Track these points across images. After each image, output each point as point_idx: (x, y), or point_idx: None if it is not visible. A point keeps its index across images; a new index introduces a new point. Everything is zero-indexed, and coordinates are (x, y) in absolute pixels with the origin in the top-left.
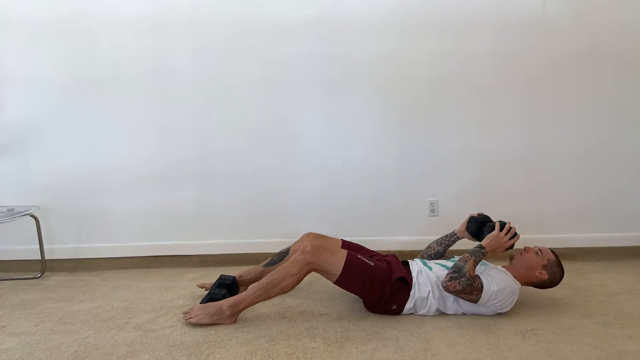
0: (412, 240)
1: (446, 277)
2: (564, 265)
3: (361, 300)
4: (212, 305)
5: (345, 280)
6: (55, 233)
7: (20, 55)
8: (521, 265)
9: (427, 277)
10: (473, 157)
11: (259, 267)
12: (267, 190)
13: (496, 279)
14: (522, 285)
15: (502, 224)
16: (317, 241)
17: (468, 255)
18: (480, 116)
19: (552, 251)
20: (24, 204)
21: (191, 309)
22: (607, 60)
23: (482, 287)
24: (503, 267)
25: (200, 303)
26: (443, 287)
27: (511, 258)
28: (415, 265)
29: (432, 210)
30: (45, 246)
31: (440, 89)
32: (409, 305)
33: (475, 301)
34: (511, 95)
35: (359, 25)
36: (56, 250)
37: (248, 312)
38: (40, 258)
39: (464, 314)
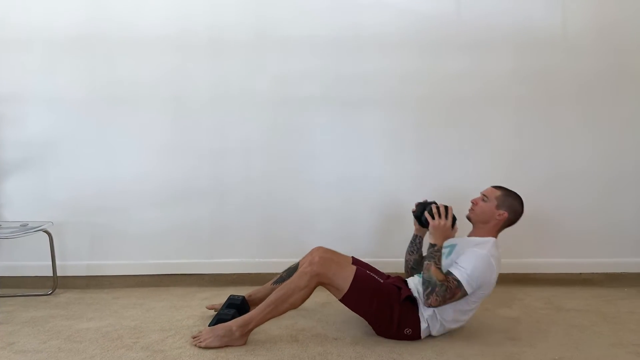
0: None
1: (424, 297)
2: (589, 291)
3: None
4: (220, 327)
5: (352, 296)
6: (68, 249)
7: (41, 74)
8: (479, 220)
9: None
10: (494, 178)
11: (268, 285)
12: (282, 209)
13: (463, 262)
14: (495, 236)
15: (429, 209)
16: (326, 254)
17: (427, 262)
18: (501, 136)
19: (495, 187)
20: (38, 219)
21: (200, 332)
22: (633, 78)
23: (458, 282)
24: (469, 235)
25: (209, 325)
26: (427, 307)
27: (469, 219)
28: (412, 284)
29: None
30: (57, 262)
31: (459, 108)
32: (423, 326)
33: (464, 295)
34: (534, 115)
35: (375, 44)
36: (69, 266)
37: (259, 335)
38: (52, 275)
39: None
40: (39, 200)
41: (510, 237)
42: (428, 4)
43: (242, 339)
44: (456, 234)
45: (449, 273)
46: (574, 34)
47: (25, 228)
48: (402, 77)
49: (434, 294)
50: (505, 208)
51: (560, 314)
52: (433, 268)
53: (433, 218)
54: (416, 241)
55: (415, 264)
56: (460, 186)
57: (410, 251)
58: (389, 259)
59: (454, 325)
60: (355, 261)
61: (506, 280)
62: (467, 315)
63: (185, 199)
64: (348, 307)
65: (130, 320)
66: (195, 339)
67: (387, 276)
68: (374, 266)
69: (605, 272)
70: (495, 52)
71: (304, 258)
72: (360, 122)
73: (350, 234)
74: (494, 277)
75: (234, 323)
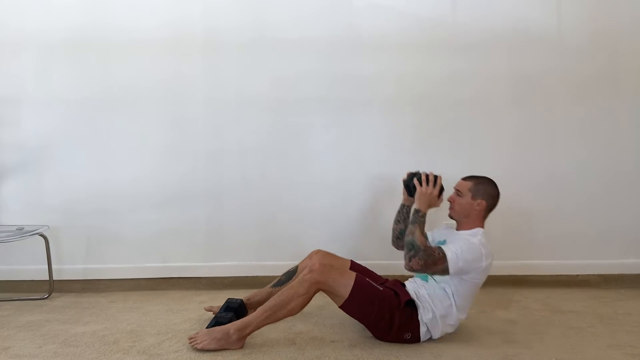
0: None
1: (405, 259)
2: (586, 292)
3: None
4: (218, 329)
5: (352, 304)
6: (64, 253)
7: (36, 76)
8: (461, 215)
9: (422, 296)
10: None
11: (266, 288)
12: (279, 211)
13: (455, 244)
14: (481, 226)
15: (418, 177)
16: (325, 259)
17: (411, 226)
18: (495, 138)
19: (465, 178)
20: (34, 223)
21: (197, 333)
22: (628, 79)
23: (444, 255)
24: (457, 229)
25: (207, 327)
26: (407, 269)
27: (451, 217)
28: (410, 286)
29: None
30: (53, 266)
31: (454, 110)
32: (422, 330)
33: (447, 271)
34: (528, 116)
35: (371, 46)
36: (65, 270)
37: (256, 338)
38: (48, 278)
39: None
40: (35, 203)
41: (507, 239)
42: (424, 6)
43: (239, 342)
44: (441, 204)
45: (438, 247)
46: (570, 35)
47: (21, 232)
48: (398, 78)
49: (417, 257)
50: (480, 196)
51: (557, 316)
52: (418, 233)
53: (421, 185)
54: (403, 210)
55: (400, 234)
56: None
57: (397, 220)
58: (386, 262)
59: (450, 330)
60: (353, 265)
61: (503, 282)
62: (465, 313)
63: (182, 202)
64: (347, 313)
65: (127, 324)
66: (191, 340)
67: (384, 280)
68: (371, 269)
69: (602, 273)
70: (491, 54)
71: (303, 262)
72: (357, 124)
73: (347, 236)
74: (484, 264)
75: (232, 326)
